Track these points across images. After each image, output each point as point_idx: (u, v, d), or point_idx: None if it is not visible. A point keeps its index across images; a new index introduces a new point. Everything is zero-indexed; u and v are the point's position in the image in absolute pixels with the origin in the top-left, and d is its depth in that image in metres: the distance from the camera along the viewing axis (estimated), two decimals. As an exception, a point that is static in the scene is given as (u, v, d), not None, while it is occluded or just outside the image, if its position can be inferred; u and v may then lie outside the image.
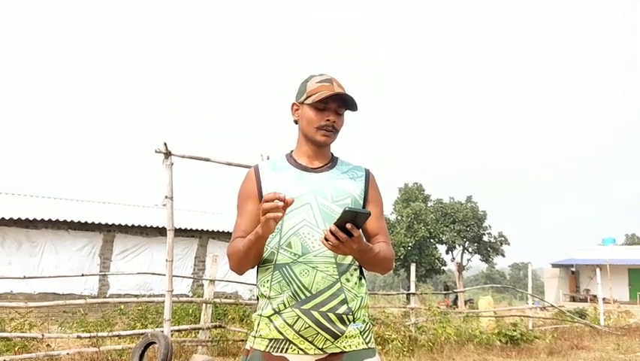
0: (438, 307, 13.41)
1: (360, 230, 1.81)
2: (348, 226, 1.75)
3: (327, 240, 1.78)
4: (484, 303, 15.56)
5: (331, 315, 1.95)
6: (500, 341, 11.32)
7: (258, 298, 2.11)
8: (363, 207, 2.13)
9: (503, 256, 41.18)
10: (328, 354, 1.96)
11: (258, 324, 2.04)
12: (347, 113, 2.17)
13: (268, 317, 2.00)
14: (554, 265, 37.43)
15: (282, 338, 1.96)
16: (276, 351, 1.97)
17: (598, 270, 18.13)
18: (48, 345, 8.00)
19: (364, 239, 2.04)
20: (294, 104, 2.18)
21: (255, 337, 2.04)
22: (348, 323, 1.99)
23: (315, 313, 1.94)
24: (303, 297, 1.95)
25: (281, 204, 1.75)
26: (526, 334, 11.86)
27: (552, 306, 19.11)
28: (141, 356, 7.13)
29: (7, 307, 8.41)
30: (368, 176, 2.21)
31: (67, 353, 7.62)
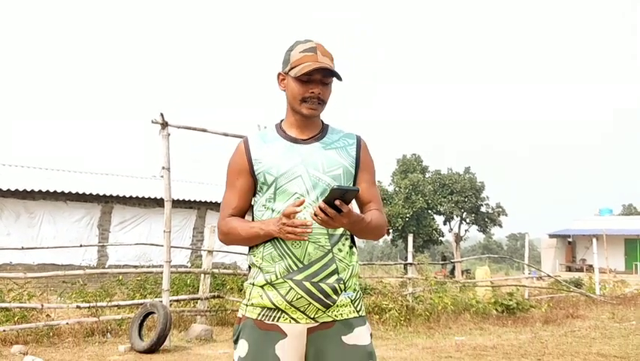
0: (435, 278, 13.51)
1: (350, 204, 1.83)
2: (337, 202, 1.77)
3: (316, 215, 1.80)
4: (481, 273, 15.67)
5: (323, 285, 1.96)
6: (496, 310, 11.44)
7: (249, 268, 2.11)
8: (355, 175, 2.12)
9: (501, 226, 41.40)
10: (320, 323, 1.98)
11: (250, 293, 2.06)
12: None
13: (261, 286, 2.01)
14: (551, 236, 37.59)
15: (274, 307, 1.98)
16: (268, 319, 1.99)
17: (594, 240, 18.25)
18: (48, 315, 8.06)
19: (357, 209, 2.06)
20: (279, 73, 2.11)
21: (247, 305, 2.05)
22: (339, 293, 2.00)
23: (307, 284, 1.95)
24: (295, 268, 1.96)
25: (309, 231, 1.85)
26: (522, 303, 11.98)
27: (548, 276, 19.28)
28: (140, 325, 7.19)
29: (6, 277, 8.46)
30: (359, 143, 2.17)
31: (67, 323, 7.68)
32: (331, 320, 1.99)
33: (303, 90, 2.02)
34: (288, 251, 1.97)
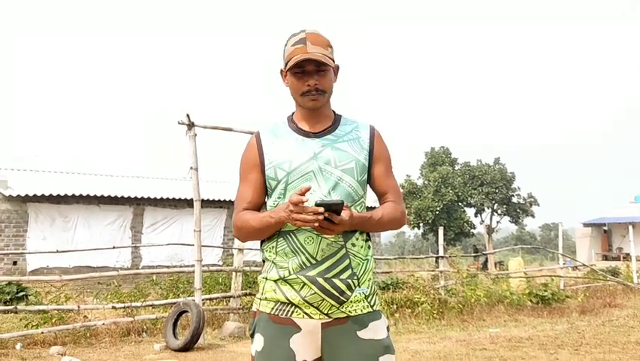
0: (467, 270, 13.38)
1: (348, 211, 1.84)
2: (326, 214, 1.79)
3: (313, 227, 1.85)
4: (514, 264, 15.48)
5: (337, 281, 1.95)
6: (531, 301, 11.29)
7: (263, 262, 2.10)
8: (370, 167, 2.09)
9: (533, 217, 40.77)
10: (334, 319, 1.96)
11: (264, 287, 2.05)
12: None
13: (274, 281, 2.01)
14: (586, 225, 36.89)
15: (288, 302, 1.97)
16: (282, 313, 1.98)
17: (630, 228, 17.88)
18: (85, 316, 8.21)
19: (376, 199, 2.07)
20: (281, 70, 2.09)
21: (260, 299, 2.05)
22: (353, 289, 1.98)
23: (321, 280, 1.93)
24: (308, 264, 1.95)
25: (321, 217, 1.80)
26: (557, 293, 11.81)
27: (584, 265, 18.95)
28: (174, 324, 7.28)
29: (43, 280, 8.64)
30: (373, 133, 2.13)
31: (103, 324, 7.81)
32: (345, 315, 1.97)
33: (299, 84, 2.01)
34: (301, 247, 1.95)
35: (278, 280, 1.99)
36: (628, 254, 22.49)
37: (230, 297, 9.23)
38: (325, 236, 1.93)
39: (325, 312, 1.95)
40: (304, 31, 2.03)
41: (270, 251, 2.03)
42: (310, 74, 1.99)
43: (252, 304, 9.24)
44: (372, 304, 2.03)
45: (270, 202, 2.07)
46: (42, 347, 7.03)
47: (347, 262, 1.97)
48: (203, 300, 7.81)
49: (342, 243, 1.97)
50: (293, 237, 1.97)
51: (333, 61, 2.05)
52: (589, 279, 15.84)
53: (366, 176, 2.08)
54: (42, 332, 7.33)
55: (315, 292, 1.93)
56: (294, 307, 1.97)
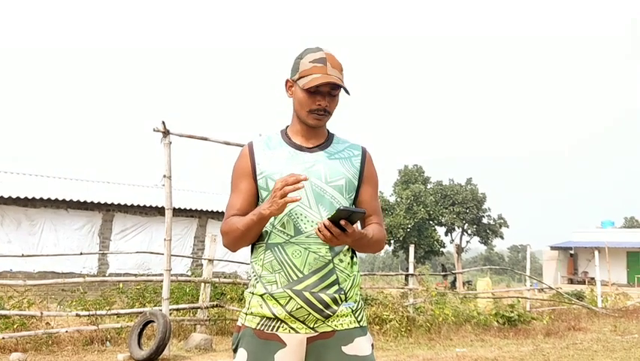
0: (436, 289, 13.45)
1: (355, 224, 1.83)
2: (342, 222, 1.77)
3: (320, 231, 1.80)
4: (482, 285, 15.62)
5: (323, 296, 1.95)
6: (498, 321, 11.38)
7: (250, 276, 2.10)
8: (358, 187, 2.11)
9: (502, 238, 41.27)
10: (320, 333, 1.96)
11: (250, 302, 2.04)
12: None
13: (260, 296, 2.00)
14: (553, 248, 37.48)
15: (274, 317, 1.96)
16: (268, 329, 1.97)
17: (596, 253, 18.17)
18: (47, 323, 8.02)
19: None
20: (287, 80, 2.11)
21: (246, 314, 2.04)
22: (340, 303, 1.98)
23: (307, 294, 1.94)
24: (295, 278, 1.95)
25: (301, 186, 1.81)
26: (523, 315, 11.92)
27: (550, 288, 19.20)
28: (140, 334, 7.16)
29: (6, 285, 8.43)
30: (364, 155, 2.16)
31: (67, 331, 7.65)
32: (331, 329, 1.97)
33: (310, 102, 2.02)
34: (288, 260, 1.96)
35: (264, 294, 1.98)
36: (593, 278, 22.89)
37: (197, 308, 9.13)
38: (319, 246, 1.94)
39: (311, 326, 1.95)
40: (321, 50, 2.05)
41: (257, 264, 2.03)
42: (323, 95, 2.02)
43: (219, 316, 9.19)
44: (359, 319, 2.03)
45: None
46: (2, 353, 6.86)
47: (334, 277, 1.97)
48: (170, 310, 7.71)
49: (330, 258, 1.97)
50: (280, 249, 1.97)
51: None
52: (554, 302, 16.06)
53: (354, 195, 2.10)
54: (3, 338, 7.14)
55: (302, 306, 1.93)
56: (280, 322, 1.96)
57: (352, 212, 1.75)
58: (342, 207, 1.74)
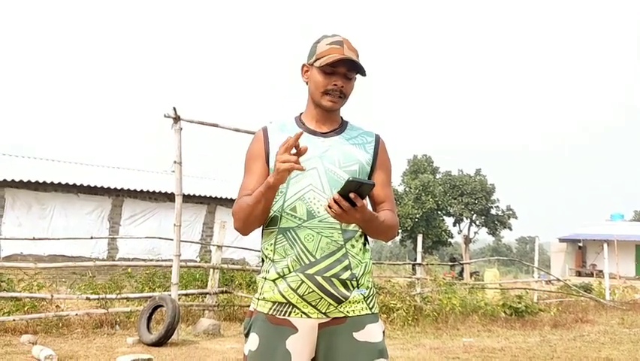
0: (444, 279, 13.47)
1: (365, 200, 1.81)
2: (352, 195, 1.75)
3: (330, 207, 1.78)
4: (489, 276, 15.61)
5: (335, 280, 1.95)
6: (505, 312, 11.38)
7: (262, 261, 2.10)
8: (371, 173, 2.10)
9: (510, 229, 41.10)
10: (331, 318, 1.97)
11: (262, 286, 2.04)
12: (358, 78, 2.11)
13: (272, 281, 2.00)
14: (561, 240, 37.31)
15: (286, 301, 1.97)
16: (280, 314, 1.98)
17: (605, 245, 18.09)
18: (57, 306, 8.11)
19: (370, 207, 2.04)
20: (304, 65, 2.12)
21: (258, 299, 2.04)
22: (352, 289, 1.98)
23: (319, 278, 1.94)
24: (307, 262, 1.95)
25: (293, 153, 1.81)
26: (530, 306, 11.92)
27: (557, 280, 19.16)
28: (149, 318, 7.22)
29: (17, 267, 8.51)
30: (378, 142, 2.16)
31: (76, 314, 7.73)
32: (343, 315, 1.97)
33: (326, 82, 2.02)
34: (300, 244, 1.95)
35: (276, 278, 1.99)
36: (601, 271, 22.80)
37: (206, 294, 9.20)
38: (331, 231, 1.94)
39: (323, 311, 1.95)
40: (339, 35, 2.07)
41: (268, 249, 2.03)
42: (339, 76, 2.02)
43: (227, 302, 9.25)
44: (370, 306, 2.04)
45: None
46: (13, 335, 6.94)
47: (346, 262, 1.97)
48: (179, 295, 7.77)
49: (342, 242, 1.97)
50: (292, 233, 1.97)
51: None
52: (562, 294, 16.03)
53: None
54: (14, 320, 7.23)
55: (314, 290, 1.93)
56: (292, 307, 1.96)
57: (362, 183, 1.73)
58: (350, 178, 1.72)
